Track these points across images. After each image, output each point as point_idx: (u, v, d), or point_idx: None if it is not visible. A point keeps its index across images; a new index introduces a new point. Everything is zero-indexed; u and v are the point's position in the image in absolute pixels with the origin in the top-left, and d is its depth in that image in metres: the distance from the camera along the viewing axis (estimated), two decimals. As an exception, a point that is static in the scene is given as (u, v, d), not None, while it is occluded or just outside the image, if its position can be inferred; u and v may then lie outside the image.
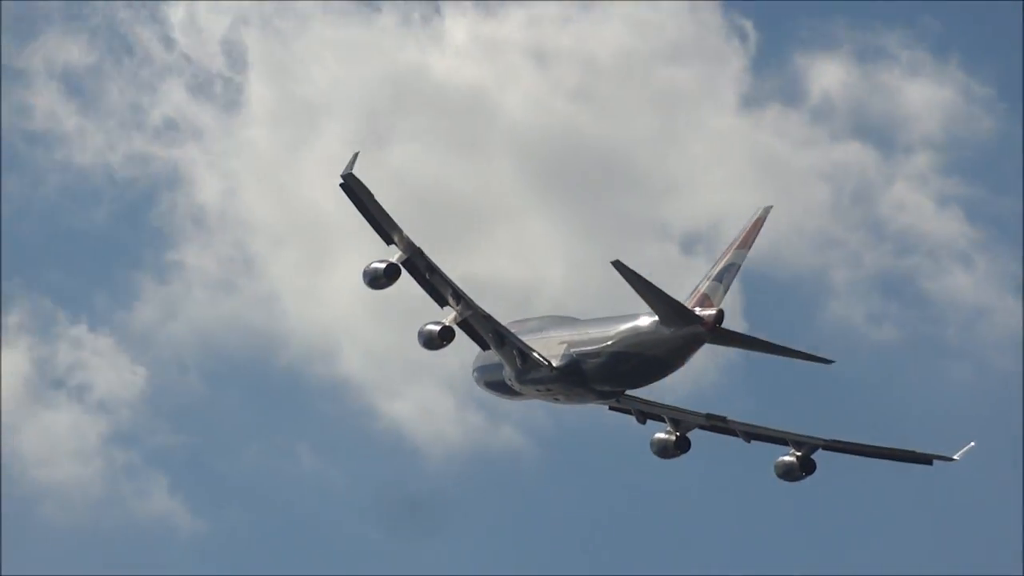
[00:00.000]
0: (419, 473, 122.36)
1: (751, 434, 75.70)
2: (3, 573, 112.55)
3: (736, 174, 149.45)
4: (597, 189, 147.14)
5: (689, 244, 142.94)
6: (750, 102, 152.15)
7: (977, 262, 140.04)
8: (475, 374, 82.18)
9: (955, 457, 74.17)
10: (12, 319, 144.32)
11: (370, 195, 72.50)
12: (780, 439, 75.43)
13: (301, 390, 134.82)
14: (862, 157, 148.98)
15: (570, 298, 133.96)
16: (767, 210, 70.56)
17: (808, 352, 70.63)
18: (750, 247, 71.18)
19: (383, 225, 74.30)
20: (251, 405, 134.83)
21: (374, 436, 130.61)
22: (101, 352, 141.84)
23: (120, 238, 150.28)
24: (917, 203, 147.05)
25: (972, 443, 73.57)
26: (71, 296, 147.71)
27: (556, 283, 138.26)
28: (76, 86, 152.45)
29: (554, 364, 75.19)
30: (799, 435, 75.13)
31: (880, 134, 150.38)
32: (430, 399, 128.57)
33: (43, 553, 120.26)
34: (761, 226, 70.78)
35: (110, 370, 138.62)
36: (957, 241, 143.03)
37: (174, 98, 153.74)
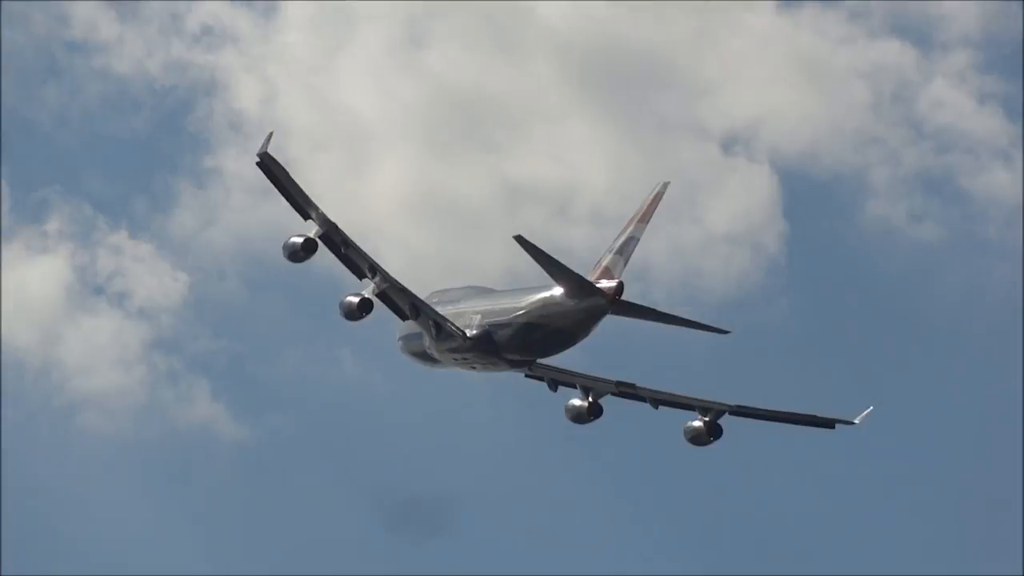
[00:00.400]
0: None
1: (659, 400, 77.79)
2: (47, 483, 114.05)
3: (775, 73, 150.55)
4: (636, 90, 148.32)
5: (728, 144, 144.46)
6: (788, 1, 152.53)
7: (1016, 159, 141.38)
8: (399, 342, 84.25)
9: (856, 421, 76.22)
10: (52, 226, 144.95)
11: (286, 173, 74.43)
12: (687, 405, 77.48)
13: (340, 296, 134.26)
14: (900, 55, 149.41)
15: (610, 199, 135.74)
16: (665, 185, 72.52)
17: (705, 323, 72.69)
18: (648, 221, 73.15)
19: (300, 202, 76.25)
20: (291, 311, 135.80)
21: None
22: (141, 258, 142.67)
23: (159, 144, 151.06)
24: (956, 101, 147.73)
25: (871, 407, 75.57)
26: (111, 203, 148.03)
27: (596, 185, 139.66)
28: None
29: (468, 334, 77.23)
30: (705, 401, 77.17)
31: (918, 32, 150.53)
32: None
33: (86, 461, 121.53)
34: (659, 201, 72.74)
35: (150, 276, 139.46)
36: (997, 138, 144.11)
37: (212, 4, 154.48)
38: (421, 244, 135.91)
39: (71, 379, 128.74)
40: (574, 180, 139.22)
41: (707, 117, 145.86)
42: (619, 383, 77.99)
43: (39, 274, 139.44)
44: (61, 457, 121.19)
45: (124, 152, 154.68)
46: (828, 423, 76.54)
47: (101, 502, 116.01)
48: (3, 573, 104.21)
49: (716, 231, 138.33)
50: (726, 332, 73.42)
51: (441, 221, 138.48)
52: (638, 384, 77.72)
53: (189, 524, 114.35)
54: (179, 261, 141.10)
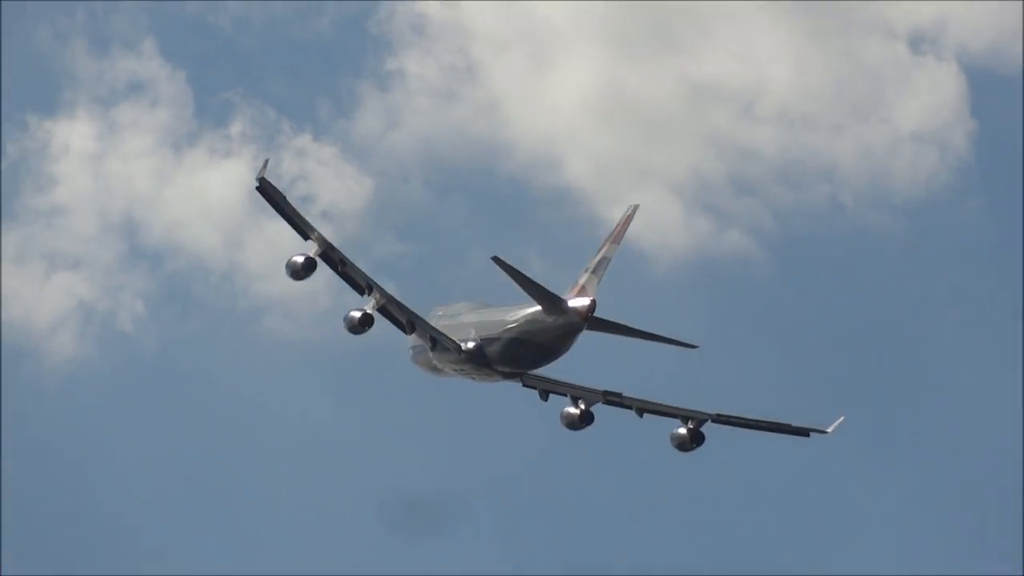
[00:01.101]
0: (647, 281, 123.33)
1: (643, 409, 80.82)
2: (234, 388, 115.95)
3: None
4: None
5: (915, 42, 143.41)
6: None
7: None
8: (410, 352, 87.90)
9: (828, 431, 78.74)
10: (235, 128, 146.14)
11: (283, 197, 78.24)
12: (670, 414, 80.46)
13: (525, 199, 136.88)
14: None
15: (795, 98, 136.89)
16: (634, 208, 75.54)
17: (674, 338, 75.56)
18: (620, 242, 76.20)
19: (299, 224, 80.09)
20: (475, 214, 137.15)
21: (599, 243, 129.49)
22: (325, 162, 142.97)
23: (341, 47, 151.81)
24: None
25: (842, 418, 78.06)
26: (294, 106, 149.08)
27: (781, 84, 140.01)
28: None
29: (463, 347, 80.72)
30: (688, 410, 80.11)
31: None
32: (656, 205, 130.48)
33: (268, 365, 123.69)
34: (630, 223, 75.82)
35: (334, 180, 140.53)
36: None
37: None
38: (605, 147, 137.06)
39: (254, 284, 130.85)
40: (759, 79, 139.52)
41: (893, 16, 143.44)
42: (606, 392, 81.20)
43: (223, 178, 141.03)
44: (246, 361, 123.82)
45: (307, 55, 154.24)
46: (803, 432, 79.23)
47: (285, 405, 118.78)
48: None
49: (903, 131, 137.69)
50: (694, 347, 76.36)
51: (625, 123, 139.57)
52: (624, 393, 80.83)
53: (371, 427, 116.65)
54: (363, 164, 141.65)
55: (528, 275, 73.63)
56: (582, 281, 76.51)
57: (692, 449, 79.81)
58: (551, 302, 75.68)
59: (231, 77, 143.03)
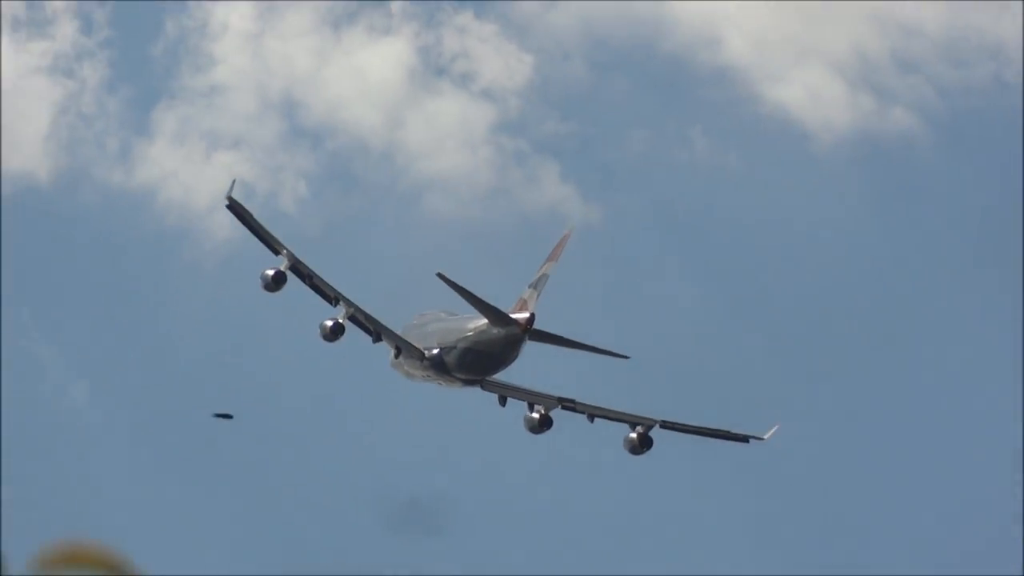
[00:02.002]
0: (808, 158, 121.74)
1: (595, 415, 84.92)
2: (394, 266, 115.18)
3: None
4: None
5: None
6: None
7: None
8: (390, 358, 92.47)
9: (764, 437, 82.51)
10: (396, 5, 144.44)
11: (251, 216, 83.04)
12: (619, 419, 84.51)
13: (686, 77, 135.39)
14: None
15: None
16: (571, 230, 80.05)
17: (605, 349, 79.62)
18: (557, 260, 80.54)
19: (268, 240, 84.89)
20: (637, 93, 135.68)
21: (760, 122, 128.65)
22: (486, 39, 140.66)
23: None
24: None
25: (777, 426, 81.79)
26: None
27: None
28: None
29: (425, 355, 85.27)
30: (635, 416, 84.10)
31: None
32: (818, 83, 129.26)
33: (429, 243, 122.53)
34: (565, 244, 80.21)
35: (495, 57, 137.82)
36: None
37: None
38: (765, 25, 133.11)
39: (415, 162, 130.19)
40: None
41: None
42: (561, 399, 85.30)
43: (382, 56, 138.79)
44: (408, 239, 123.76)
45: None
46: (743, 438, 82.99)
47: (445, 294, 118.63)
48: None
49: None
50: (625, 357, 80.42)
51: (789, 3, 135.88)
52: (577, 400, 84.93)
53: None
54: (523, 42, 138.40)
55: (472, 291, 78.01)
56: (524, 296, 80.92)
57: (642, 452, 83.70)
58: (496, 315, 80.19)
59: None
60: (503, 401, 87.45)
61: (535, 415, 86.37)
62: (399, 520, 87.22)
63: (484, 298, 78.61)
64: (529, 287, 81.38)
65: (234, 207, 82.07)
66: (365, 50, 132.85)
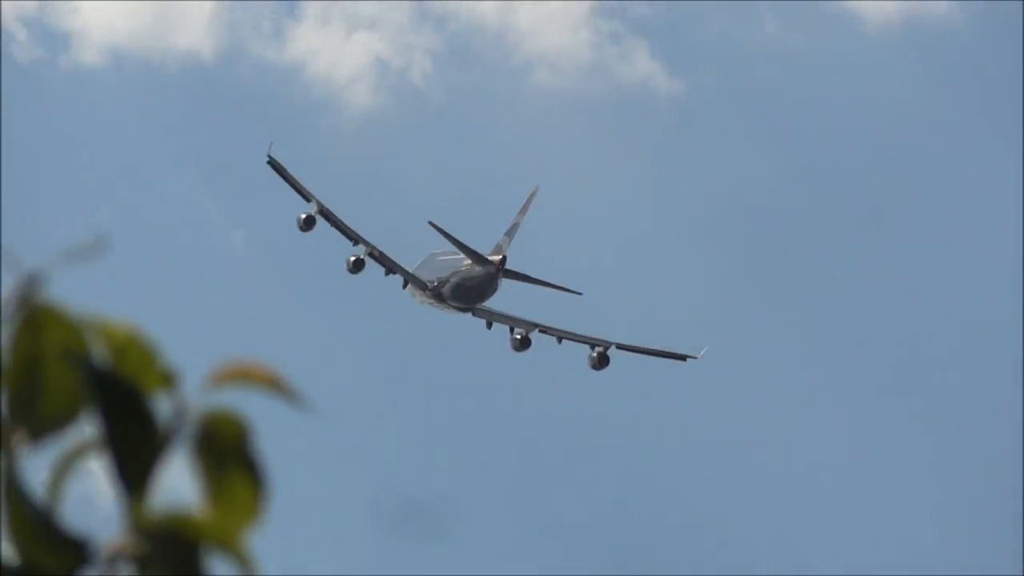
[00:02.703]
0: (858, 41, 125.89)
1: (562, 337, 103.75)
2: (506, 137, 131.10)
3: None
4: None
5: None
6: None
7: None
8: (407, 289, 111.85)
9: (698, 356, 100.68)
10: None
11: (288, 173, 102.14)
12: (584, 341, 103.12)
13: None
14: None
15: None
16: (536, 189, 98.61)
17: (563, 286, 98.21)
18: (526, 213, 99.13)
19: (301, 191, 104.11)
20: None
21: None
22: None
23: None
24: None
25: (705, 348, 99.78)
26: None
27: None
28: None
29: (429, 286, 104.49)
30: (595, 338, 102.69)
31: None
32: None
33: (537, 112, 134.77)
34: (532, 200, 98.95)
35: None
36: None
37: None
38: None
39: (525, 40, 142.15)
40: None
41: None
42: (537, 324, 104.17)
43: None
44: (518, 109, 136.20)
45: None
46: (681, 357, 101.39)
47: (551, 151, 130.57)
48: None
49: None
50: (579, 294, 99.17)
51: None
52: (551, 326, 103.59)
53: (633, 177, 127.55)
54: None
55: (459, 238, 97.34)
56: (499, 242, 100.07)
57: (601, 368, 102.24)
58: (476, 257, 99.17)
59: None
60: (489, 325, 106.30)
61: (517, 336, 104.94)
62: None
63: (467, 244, 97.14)
64: (504, 235, 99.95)
65: (273, 164, 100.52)
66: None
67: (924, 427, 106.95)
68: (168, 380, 1.57)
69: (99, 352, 1.55)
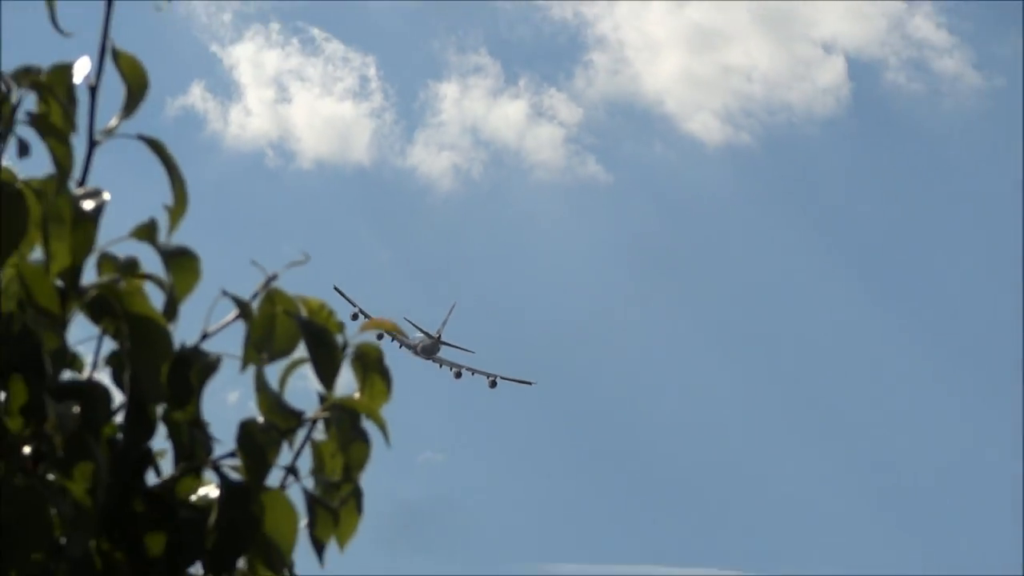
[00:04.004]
0: None
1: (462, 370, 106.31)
2: None
3: None
4: None
5: None
6: None
7: None
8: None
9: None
10: None
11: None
12: (482, 373, 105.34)
13: None
14: None
15: None
16: (454, 305, 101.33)
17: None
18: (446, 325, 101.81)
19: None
20: None
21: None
22: None
23: None
24: None
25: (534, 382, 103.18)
26: None
27: None
28: None
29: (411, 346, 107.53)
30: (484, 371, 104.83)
31: None
32: None
33: None
34: (450, 314, 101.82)
35: None
36: None
37: None
38: None
39: None
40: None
41: None
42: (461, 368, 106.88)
43: None
44: None
45: None
46: (527, 383, 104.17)
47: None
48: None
49: None
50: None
51: None
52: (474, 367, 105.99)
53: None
54: None
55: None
56: (438, 328, 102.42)
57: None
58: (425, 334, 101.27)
59: None
60: (440, 365, 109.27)
61: (453, 372, 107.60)
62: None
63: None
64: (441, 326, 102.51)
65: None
66: None
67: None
68: (339, 326, 3.04)
69: (302, 312, 3.02)
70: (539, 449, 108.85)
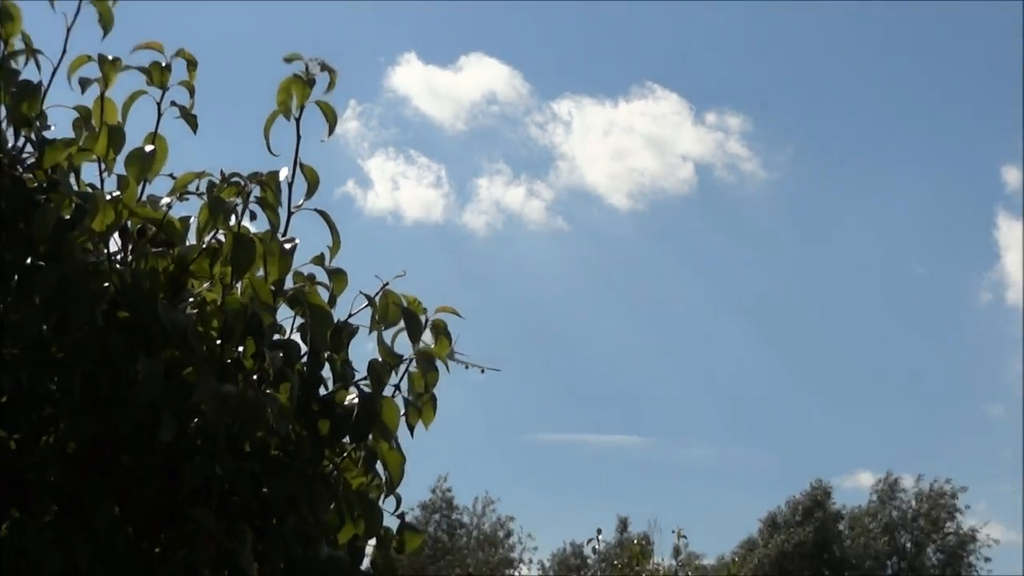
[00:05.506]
0: None
1: None
2: None
3: None
4: None
5: None
6: None
7: None
8: None
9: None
10: None
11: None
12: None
13: None
14: None
15: None
16: None
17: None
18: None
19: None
20: None
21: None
22: None
23: None
24: None
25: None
26: None
27: None
28: None
29: None
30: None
31: None
32: None
33: None
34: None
35: None
36: None
37: None
38: None
39: None
40: None
41: None
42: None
43: None
44: None
45: None
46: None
47: None
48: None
49: None
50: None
51: None
52: None
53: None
54: None
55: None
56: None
57: None
58: None
59: None
60: None
61: None
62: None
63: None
64: None
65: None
66: None
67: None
68: (423, 309, 5.72)
69: (403, 302, 5.68)
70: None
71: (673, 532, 28.88)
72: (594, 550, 31.04)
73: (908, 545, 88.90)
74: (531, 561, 79.16)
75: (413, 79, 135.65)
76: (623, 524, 77.31)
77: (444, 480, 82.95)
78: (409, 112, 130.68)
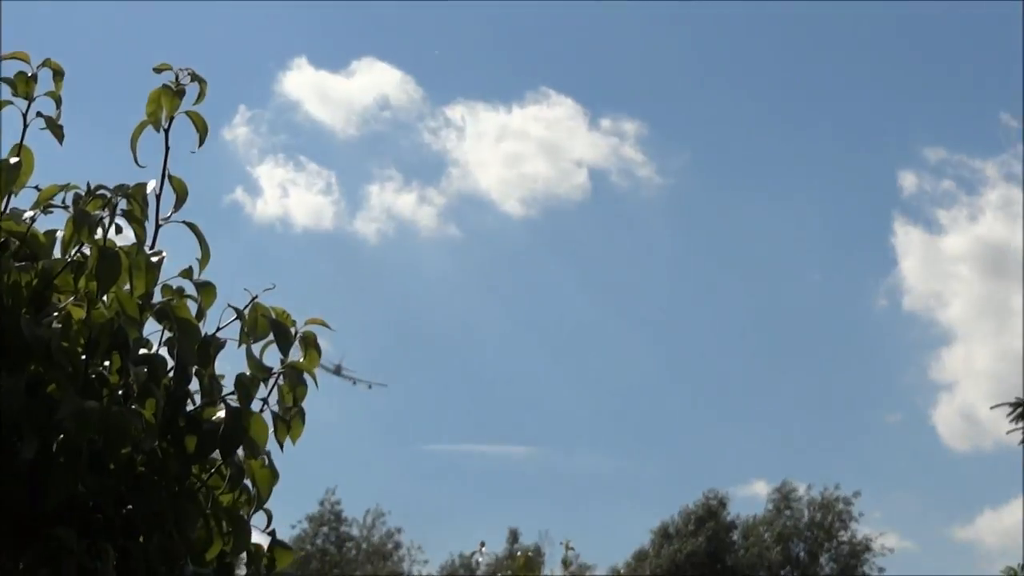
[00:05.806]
0: None
1: None
2: None
3: None
4: None
5: None
6: None
7: None
8: None
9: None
10: None
11: None
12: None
13: None
14: None
15: None
16: None
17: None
18: None
19: None
20: None
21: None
22: None
23: None
24: None
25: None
26: None
27: None
28: None
29: None
30: None
31: None
32: None
33: None
34: None
35: None
36: None
37: None
38: None
39: None
40: None
41: None
42: None
43: None
44: None
45: None
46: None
47: None
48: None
49: None
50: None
51: None
52: None
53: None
54: None
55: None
56: None
57: None
58: None
59: None
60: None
61: None
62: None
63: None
64: None
65: None
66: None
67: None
68: (292, 322, 5.67)
69: (271, 314, 5.64)
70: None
71: (561, 544, 28.87)
72: (476, 563, 31.05)
73: (802, 554, 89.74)
74: (420, 574, 79.14)
75: (304, 84, 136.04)
76: (513, 535, 77.43)
77: (333, 493, 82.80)
78: (300, 118, 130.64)
